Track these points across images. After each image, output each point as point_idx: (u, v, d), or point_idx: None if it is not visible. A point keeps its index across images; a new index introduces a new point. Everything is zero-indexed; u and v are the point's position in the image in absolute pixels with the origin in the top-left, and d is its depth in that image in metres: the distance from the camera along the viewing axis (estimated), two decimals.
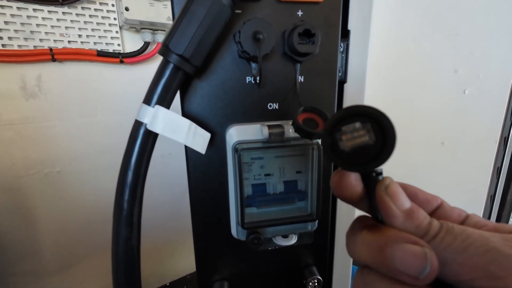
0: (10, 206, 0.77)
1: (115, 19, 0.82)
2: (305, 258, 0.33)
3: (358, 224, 0.17)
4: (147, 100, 0.21)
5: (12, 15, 0.70)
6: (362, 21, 0.29)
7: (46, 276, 0.86)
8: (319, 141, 0.27)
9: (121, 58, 0.83)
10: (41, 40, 0.74)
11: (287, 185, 0.29)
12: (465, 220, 0.16)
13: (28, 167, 0.79)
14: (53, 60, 0.76)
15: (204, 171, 0.28)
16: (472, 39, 0.79)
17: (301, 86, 0.28)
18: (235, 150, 0.26)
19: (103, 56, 0.81)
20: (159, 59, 0.23)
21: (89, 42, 0.80)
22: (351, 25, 0.29)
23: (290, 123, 0.26)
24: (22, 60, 0.72)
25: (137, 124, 0.21)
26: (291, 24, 0.25)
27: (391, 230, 0.15)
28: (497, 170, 0.86)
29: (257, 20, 0.24)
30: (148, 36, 0.85)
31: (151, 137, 0.22)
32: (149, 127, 0.21)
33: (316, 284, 0.32)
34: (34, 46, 0.74)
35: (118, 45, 0.84)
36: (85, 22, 0.78)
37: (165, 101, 0.22)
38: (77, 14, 0.77)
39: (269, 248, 0.31)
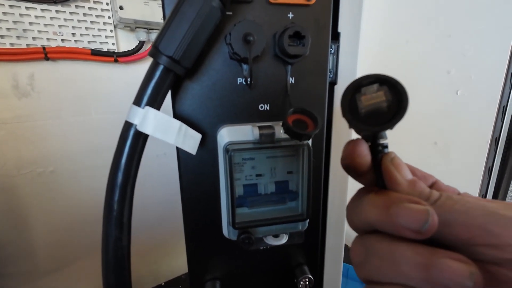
0: (2, 206, 0.76)
1: (109, 17, 0.81)
2: (296, 257, 0.34)
3: (363, 192, 0.18)
4: (137, 101, 0.21)
5: (4, 13, 0.69)
6: (352, 23, 0.29)
7: (38, 277, 0.85)
8: (309, 142, 0.28)
9: (115, 57, 0.83)
10: (34, 38, 0.73)
11: (278, 185, 0.29)
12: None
13: (21, 167, 0.78)
14: (46, 58, 0.75)
15: (196, 172, 0.28)
16: (464, 40, 0.81)
17: (292, 87, 0.28)
18: (226, 150, 0.26)
19: (97, 55, 0.80)
20: None
21: (83, 41, 0.79)
22: (341, 27, 0.29)
23: (281, 124, 0.26)
24: (14, 58, 0.71)
25: (127, 125, 0.22)
26: (281, 26, 0.26)
27: (396, 193, 0.16)
28: (489, 170, 0.88)
29: (248, 22, 0.24)
30: (143, 35, 0.84)
31: (141, 138, 0.22)
32: (139, 128, 0.21)
33: (307, 283, 0.32)
34: (27, 45, 0.73)
35: (113, 44, 0.83)
36: (78, 21, 0.77)
37: (155, 102, 0.22)
38: (70, 13, 0.76)
39: (260, 248, 0.31)
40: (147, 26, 0.84)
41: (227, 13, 0.25)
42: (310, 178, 0.27)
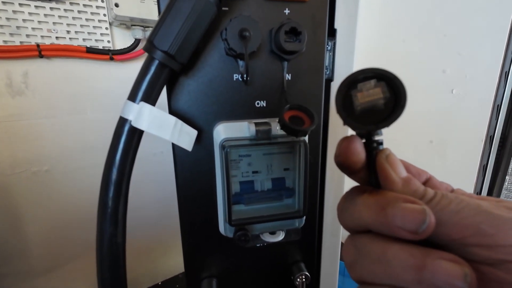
0: None
1: (104, 15, 0.80)
2: (293, 254, 0.34)
3: (356, 191, 0.18)
4: (132, 97, 0.21)
5: None
6: (348, 20, 0.29)
7: (33, 276, 0.84)
8: (306, 138, 0.28)
9: (111, 55, 0.82)
10: (27, 35, 0.72)
11: (275, 182, 0.29)
12: (451, 192, 0.17)
13: (15, 166, 0.77)
14: (41, 56, 0.74)
15: (192, 169, 0.28)
16: (459, 40, 0.81)
17: (288, 84, 0.28)
18: (222, 147, 0.26)
19: (93, 52, 0.80)
20: None
21: (78, 39, 0.78)
22: (337, 24, 0.29)
23: (277, 120, 0.26)
24: (7, 56, 0.70)
25: (122, 121, 0.21)
26: (278, 22, 0.26)
27: (391, 193, 0.16)
28: (483, 168, 0.89)
29: (244, 17, 0.24)
30: (139, 33, 0.84)
31: (136, 134, 0.22)
32: (134, 124, 0.21)
33: (304, 280, 0.32)
34: (21, 42, 0.72)
35: (108, 41, 0.82)
36: (73, 18, 0.76)
37: (150, 98, 0.21)
38: (65, 10, 0.75)
39: (257, 245, 0.31)
40: (143, 24, 0.83)
41: (223, 8, 0.25)
42: (307, 175, 0.27)
